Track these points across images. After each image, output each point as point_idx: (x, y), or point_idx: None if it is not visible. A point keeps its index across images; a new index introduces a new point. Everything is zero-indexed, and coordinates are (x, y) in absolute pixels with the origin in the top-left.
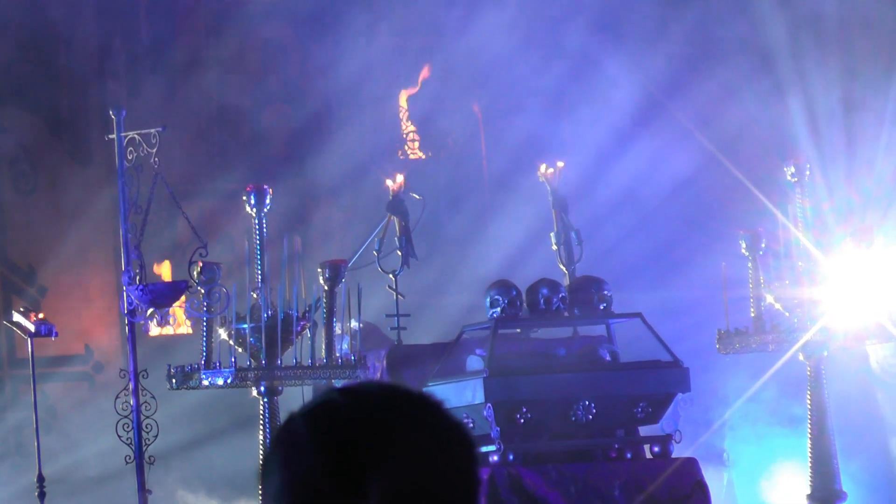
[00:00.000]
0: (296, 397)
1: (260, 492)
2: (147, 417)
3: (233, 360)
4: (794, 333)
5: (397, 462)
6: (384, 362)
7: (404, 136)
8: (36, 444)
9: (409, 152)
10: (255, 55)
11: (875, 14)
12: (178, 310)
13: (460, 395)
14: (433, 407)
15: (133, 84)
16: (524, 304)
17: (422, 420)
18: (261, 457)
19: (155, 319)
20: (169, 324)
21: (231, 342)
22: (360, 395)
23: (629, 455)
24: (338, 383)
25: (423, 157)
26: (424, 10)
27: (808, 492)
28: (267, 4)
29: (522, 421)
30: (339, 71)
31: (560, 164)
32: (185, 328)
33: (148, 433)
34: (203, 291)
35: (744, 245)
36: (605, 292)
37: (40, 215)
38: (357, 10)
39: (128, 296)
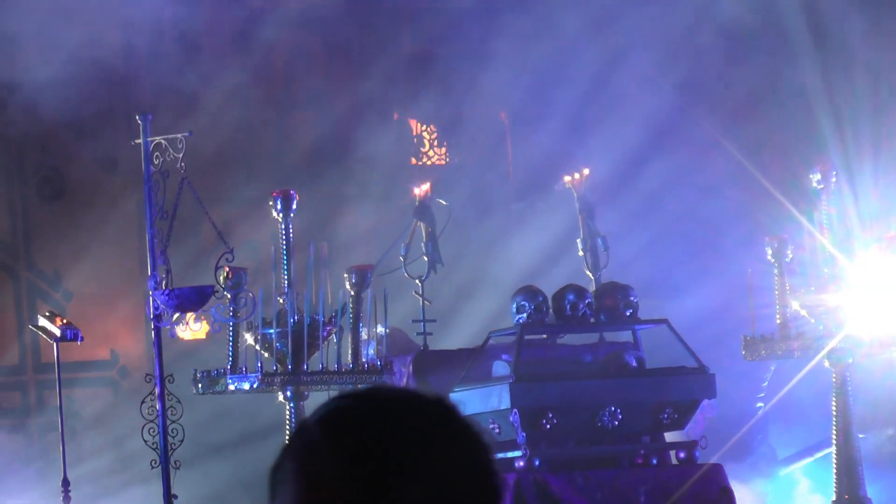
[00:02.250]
0: (322, 403)
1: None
2: (173, 422)
3: (259, 364)
4: (819, 340)
5: (420, 467)
6: (410, 367)
7: (428, 142)
8: (61, 448)
9: (432, 158)
10: (280, 62)
11: None
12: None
13: (486, 400)
14: (448, 410)
15: (159, 90)
16: (550, 310)
17: (438, 424)
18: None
19: (182, 324)
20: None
21: (257, 347)
22: (373, 400)
23: (655, 461)
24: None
25: (445, 163)
26: (452, 18)
27: (834, 498)
28: (294, 12)
29: (548, 427)
30: (363, 78)
31: (586, 171)
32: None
33: (174, 438)
34: (229, 296)
35: (770, 252)
36: (632, 298)
37: (66, 221)
38: (384, 19)
39: (154, 300)
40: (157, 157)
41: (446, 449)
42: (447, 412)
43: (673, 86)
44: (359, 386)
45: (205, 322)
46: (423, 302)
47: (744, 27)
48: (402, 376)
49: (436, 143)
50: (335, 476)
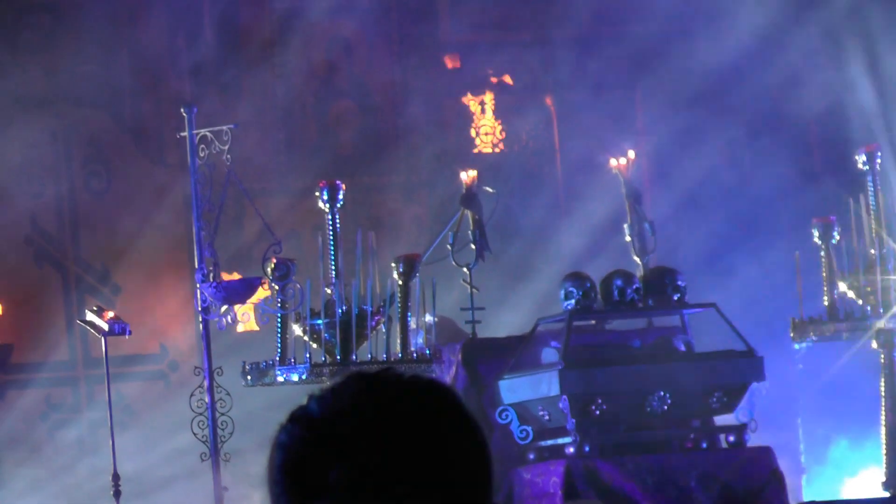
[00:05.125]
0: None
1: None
2: (222, 415)
3: (308, 356)
4: (867, 321)
5: (414, 454)
6: (459, 356)
7: (477, 130)
8: (111, 443)
9: (482, 146)
10: (324, 50)
11: None
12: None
13: (536, 387)
14: (442, 395)
15: (204, 82)
16: (598, 296)
17: (433, 410)
18: None
19: (229, 316)
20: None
21: (306, 338)
22: (367, 385)
23: (704, 445)
24: None
25: (497, 151)
26: (496, 4)
27: (883, 479)
28: (334, 0)
29: (598, 413)
30: (410, 66)
31: (632, 154)
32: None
33: (223, 430)
34: (277, 288)
35: (817, 233)
36: (679, 283)
37: (114, 214)
38: (425, 3)
39: (201, 293)
40: (202, 149)
41: (441, 434)
42: (442, 397)
43: (721, 63)
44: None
45: (253, 314)
46: (471, 290)
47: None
48: (451, 365)
49: (483, 129)
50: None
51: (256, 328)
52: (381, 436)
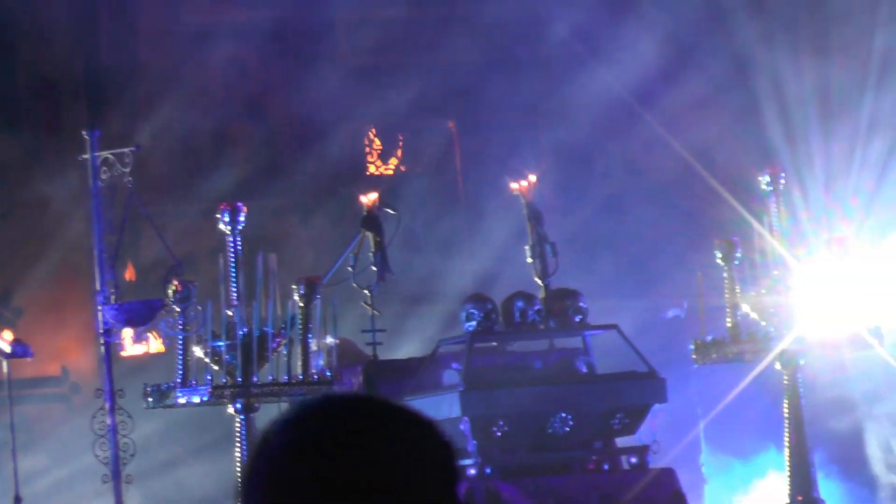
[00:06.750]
0: (272, 415)
1: None
2: (124, 437)
3: (209, 377)
4: (770, 342)
5: (383, 468)
6: (360, 378)
7: (373, 152)
8: (13, 465)
9: (380, 168)
10: (221, 75)
11: (850, 21)
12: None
13: (437, 409)
14: (398, 411)
15: (105, 106)
16: (500, 318)
17: (397, 425)
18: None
19: (130, 338)
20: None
21: (207, 360)
22: (331, 407)
23: (606, 467)
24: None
25: (393, 172)
26: (398, 29)
27: (787, 500)
28: (235, 25)
29: (499, 434)
30: (308, 89)
31: (533, 177)
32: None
33: (125, 452)
34: (178, 310)
35: (719, 254)
36: (581, 304)
37: (16, 237)
38: (326, 29)
39: (103, 315)
40: (104, 171)
41: (409, 446)
42: (400, 413)
43: (621, 88)
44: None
45: (155, 337)
46: (372, 312)
47: (692, 28)
48: (353, 386)
49: (383, 152)
50: (301, 480)
51: (160, 350)
52: (356, 453)
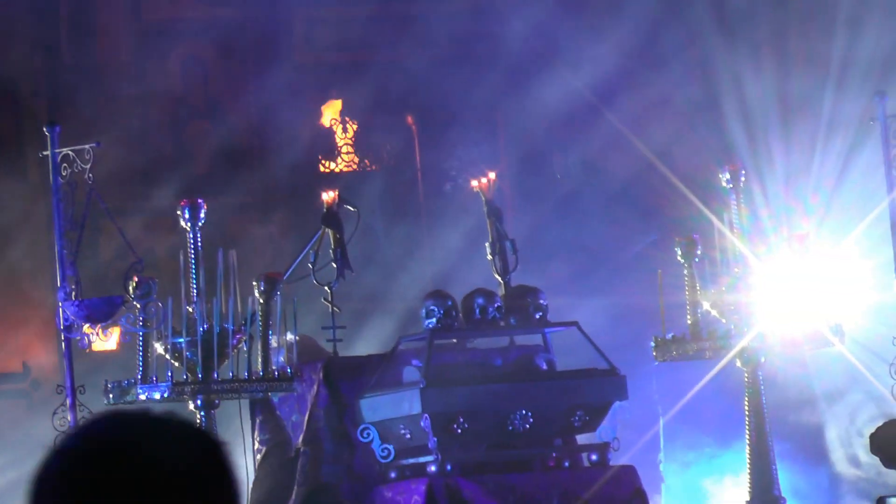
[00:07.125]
0: (232, 411)
1: None
2: None
3: (169, 374)
4: (730, 340)
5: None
6: (320, 374)
7: (338, 148)
8: None
9: (342, 164)
10: (180, 72)
11: (810, 20)
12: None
13: (397, 406)
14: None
15: (65, 101)
16: (460, 315)
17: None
18: None
19: (93, 334)
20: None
21: (167, 356)
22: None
23: (567, 464)
24: (274, 397)
25: (357, 169)
26: (355, 25)
27: (748, 498)
28: (197, 19)
29: (460, 431)
30: (268, 85)
31: (492, 174)
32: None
33: None
34: (139, 306)
35: (679, 252)
36: (541, 301)
37: None
38: (284, 25)
39: (64, 311)
40: (64, 168)
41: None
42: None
43: (581, 86)
44: (276, 395)
45: (116, 332)
46: (332, 309)
47: (652, 26)
48: (313, 383)
49: (343, 148)
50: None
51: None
52: (132, 474)
